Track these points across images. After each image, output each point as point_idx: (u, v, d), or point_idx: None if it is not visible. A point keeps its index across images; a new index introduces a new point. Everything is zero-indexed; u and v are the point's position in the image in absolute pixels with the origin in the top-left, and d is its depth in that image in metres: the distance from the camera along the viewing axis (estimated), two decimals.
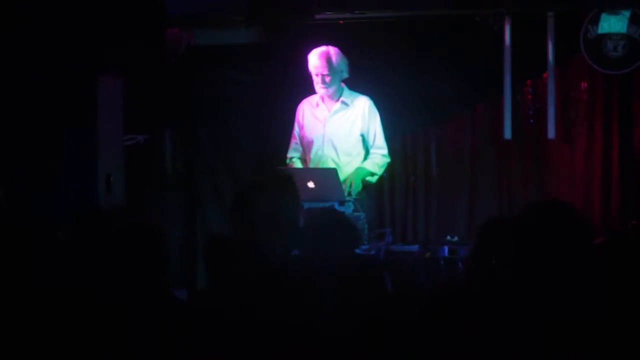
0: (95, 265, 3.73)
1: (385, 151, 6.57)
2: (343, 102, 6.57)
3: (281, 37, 7.36)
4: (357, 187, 6.43)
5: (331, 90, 6.50)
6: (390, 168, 6.84)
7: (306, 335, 3.04)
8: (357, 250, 5.62)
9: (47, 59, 6.30)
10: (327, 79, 6.45)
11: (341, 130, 6.55)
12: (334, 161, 6.52)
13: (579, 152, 7.43)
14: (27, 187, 6.18)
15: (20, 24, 6.22)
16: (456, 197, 7.62)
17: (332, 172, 6.22)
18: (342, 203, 6.13)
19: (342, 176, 6.34)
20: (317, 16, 7.16)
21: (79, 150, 6.22)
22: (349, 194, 6.34)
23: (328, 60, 6.42)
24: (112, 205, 6.16)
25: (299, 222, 3.34)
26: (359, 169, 6.51)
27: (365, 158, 6.57)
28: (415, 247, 6.03)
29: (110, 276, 3.67)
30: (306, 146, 6.65)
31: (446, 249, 5.58)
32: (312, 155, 6.61)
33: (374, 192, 7.21)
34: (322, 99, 6.60)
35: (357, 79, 6.67)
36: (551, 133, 7.23)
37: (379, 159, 6.56)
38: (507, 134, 7.31)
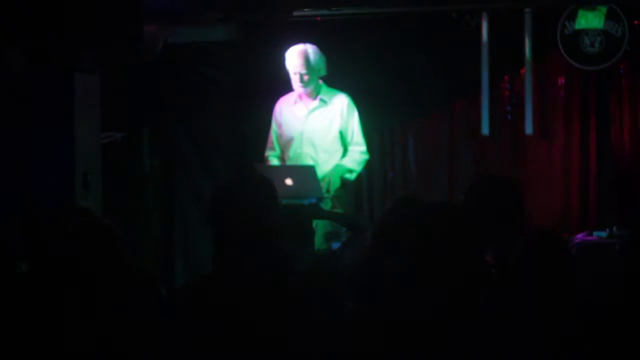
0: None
1: (363, 148, 6.57)
2: (321, 100, 6.55)
3: (259, 35, 7.35)
4: (335, 184, 6.43)
5: (309, 88, 6.49)
6: (368, 164, 6.83)
7: None
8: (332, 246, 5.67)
9: (23, 56, 6.25)
10: (305, 77, 6.43)
11: (320, 128, 6.54)
12: (312, 158, 6.51)
13: (556, 148, 7.45)
14: (3, 186, 6.13)
15: None
16: (434, 193, 7.62)
17: (310, 169, 6.20)
18: (320, 200, 6.12)
19: (320, 173, 6.32)
20: (295, 13, 7.14)
21: (56, 148, 6.17)
22: (327, 191, 6.34)
23: (306, 58, 6.40)
24: (88, 203, 6.12)
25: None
26: (337, 166, 6.50)
27: (344, 155, 6.56)
28: None
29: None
30: (284, 144, 6.63)
31: None
32: (290, 153, 6.59)
33: (353, 188, 7.22)
34: (300, 96, 6.57)
35: (335, 75, 6.66)
36: (528, 129, 7.25)
37: (357, 156, 6.55)
38: (485, 130, 7.32)
